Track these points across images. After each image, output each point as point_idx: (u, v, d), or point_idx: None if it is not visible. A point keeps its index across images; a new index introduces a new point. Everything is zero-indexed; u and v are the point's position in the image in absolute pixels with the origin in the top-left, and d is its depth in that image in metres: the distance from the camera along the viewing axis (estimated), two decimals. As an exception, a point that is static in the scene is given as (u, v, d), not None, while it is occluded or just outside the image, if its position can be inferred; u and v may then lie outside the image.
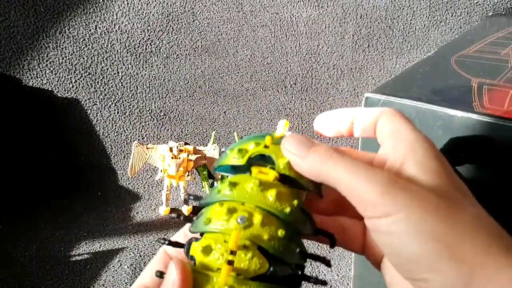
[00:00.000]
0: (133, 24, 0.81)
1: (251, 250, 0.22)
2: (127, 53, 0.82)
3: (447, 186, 0.21)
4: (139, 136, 0.86)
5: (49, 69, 0.82)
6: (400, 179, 0.21)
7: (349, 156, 0.23)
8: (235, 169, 0.26)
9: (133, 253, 0.66)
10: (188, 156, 0.73)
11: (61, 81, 0.82)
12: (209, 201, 0.24)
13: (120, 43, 0.81)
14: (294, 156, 0.24)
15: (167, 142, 0.75)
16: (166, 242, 0.24)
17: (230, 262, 0.21)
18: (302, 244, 0.24)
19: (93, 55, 0.82)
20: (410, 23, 0.81)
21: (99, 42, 0.81)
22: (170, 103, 0.85)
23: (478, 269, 0.19)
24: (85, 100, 0.84)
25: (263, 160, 0.26)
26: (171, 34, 0.82)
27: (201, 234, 0.24)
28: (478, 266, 0.19)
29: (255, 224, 0.22)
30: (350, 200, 0.22)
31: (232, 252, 0.22)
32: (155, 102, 0.85)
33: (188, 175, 0.75)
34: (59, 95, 0.83)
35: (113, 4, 0.80)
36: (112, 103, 0.84)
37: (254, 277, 0.22)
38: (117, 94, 0.84)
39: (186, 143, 0.75)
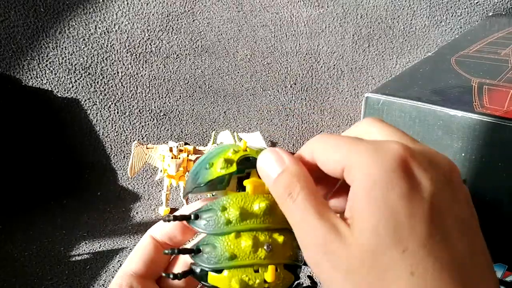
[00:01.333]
0: (133, 24, 0.81)
1: (280, 271, 0.23)
2: (127, 53, 0.82)
3: (384, 251, 0.18)
4: (139, 136, 0.86)
5: (49, 69, 0.82)
6: (334, 239, 0.19)
7: (312, 190, 0.21)
8: (221, 181, 0.25)
9: (133, 253, 0.66)
10: (188, 156, 0.73)
11: (61, 81, 0.82)
12: (218, 231, 0.24)
13: (120, 43, 0.81)
14: (264, 178, 0.23)
15: (167, 142, 0.75)
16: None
17: None
18: None
19: (93, 55, 0.82)
20: (410, 23, 0.81)
21: (99, 42, 0.81)
22: (170, 103, 0.85)
23: None
24: (85, 100, 0.84)
25: (246, 164, 0.25)
26: (171, 34, 0.82)
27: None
28: None
29: (279, 246, 0.23)
30: None
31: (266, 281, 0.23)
32: (155, 102, 0.85)
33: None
34: (59, 95, 0.83)
35: (113, 4, 0.80)
36: (112, 103, 0.84)
37: None
38: (117, 94, 0.84)
39: (186, 143, 0.75)
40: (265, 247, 0.23)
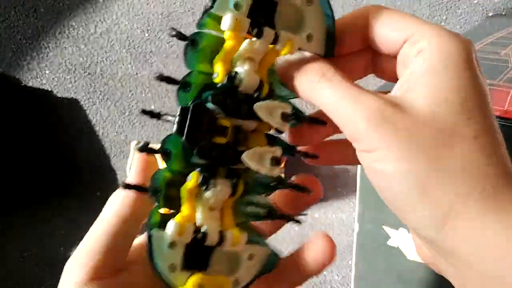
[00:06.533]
0: (133, 24, 0.81)
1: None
2: (127, 53, 0.82)
3: (449, 117, 0.18)
4: (139, 136, 0.86)
5: (49, 69, 0.82)
6: (389, 107, 0.19)
7: (343, 77, 0.20)
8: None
9: (133, 253, 0.66)
10: (188, 156, 0.73)
11: (61, 81, 0.82)
12: None
13: (120, 43, 0.81)
14: (286, 71, 0.22)
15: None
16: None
17: None
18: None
19: (93, 55, 0.82)
20: (410, 23, 0.81)
21: (99, 42, 0.81)
22: (170, 103, 0.85)
23: (452, 214, 0.18)
24: (85, 100, 0.84)
25: None
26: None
27: None
28: (452, 211, 0.18)
29: None
30: (339, 126, 0.20)
31: None
32: (155, 102, 0.85)
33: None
34: (59, 95, 0.83)
35: (113, 4, 0.80)
36: (111, 103, 0.84)
37: None
38: (117, 94, 0.84)
39: (186, 143, 0.75)
40: None
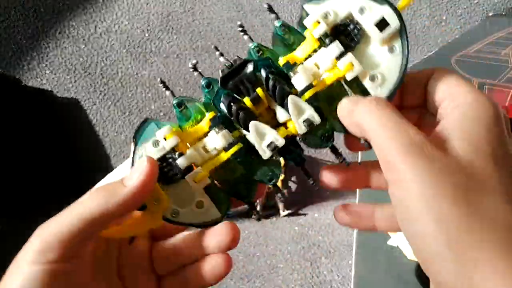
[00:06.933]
0: (133, 24, 0.81)
1: None
2: (127, 53, 0.82)
3: (483, 166, 0.19)
4: (139, 136, 0.86)
5: (49, 69, 0.82)
6: (430, 145, 0.19)
7: (394, 108, 0.22)
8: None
9: (133, 253, 0.66)
10: (188, 156, 0.73)
11: (61, 81, 0.82)
12: None
13: (120, 43, 0.81)
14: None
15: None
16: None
17: None
18: None
19: (93, 55, 0.82)
20: (410, 23, 0.81)
21: (99, 42, 0.81)
22: (170, 103, 0.85)
23: (479, 266, 0.17)
24: (85, 100, 0.84)
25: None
26: (171, 34, 0.82)
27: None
28: (480, 263, 0.17)
29: None
30: (377, 155, 0.21)
31: None
32: (155, 102, 0.85)
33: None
34: (59, 95, 0.83)
35: (113, 4, 0.80)
36: (111, 103, 0.84)
37: None
38: (117, 94, 0.84)
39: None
40: None
